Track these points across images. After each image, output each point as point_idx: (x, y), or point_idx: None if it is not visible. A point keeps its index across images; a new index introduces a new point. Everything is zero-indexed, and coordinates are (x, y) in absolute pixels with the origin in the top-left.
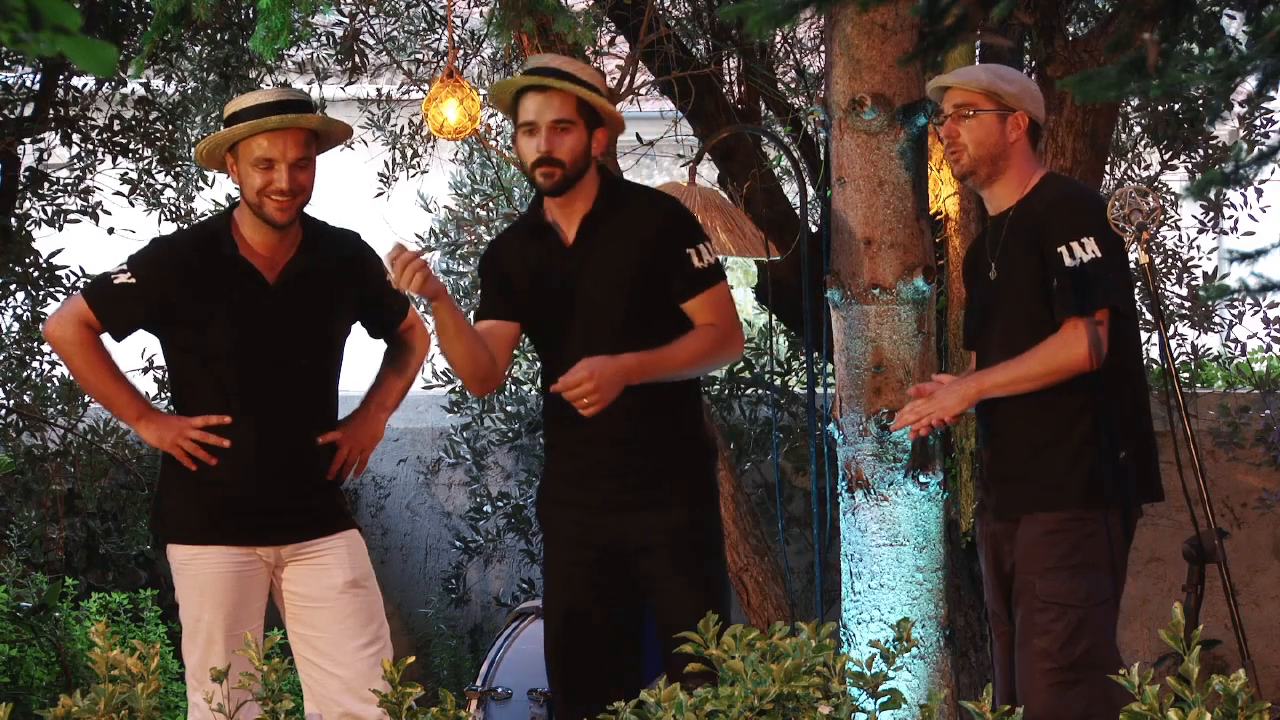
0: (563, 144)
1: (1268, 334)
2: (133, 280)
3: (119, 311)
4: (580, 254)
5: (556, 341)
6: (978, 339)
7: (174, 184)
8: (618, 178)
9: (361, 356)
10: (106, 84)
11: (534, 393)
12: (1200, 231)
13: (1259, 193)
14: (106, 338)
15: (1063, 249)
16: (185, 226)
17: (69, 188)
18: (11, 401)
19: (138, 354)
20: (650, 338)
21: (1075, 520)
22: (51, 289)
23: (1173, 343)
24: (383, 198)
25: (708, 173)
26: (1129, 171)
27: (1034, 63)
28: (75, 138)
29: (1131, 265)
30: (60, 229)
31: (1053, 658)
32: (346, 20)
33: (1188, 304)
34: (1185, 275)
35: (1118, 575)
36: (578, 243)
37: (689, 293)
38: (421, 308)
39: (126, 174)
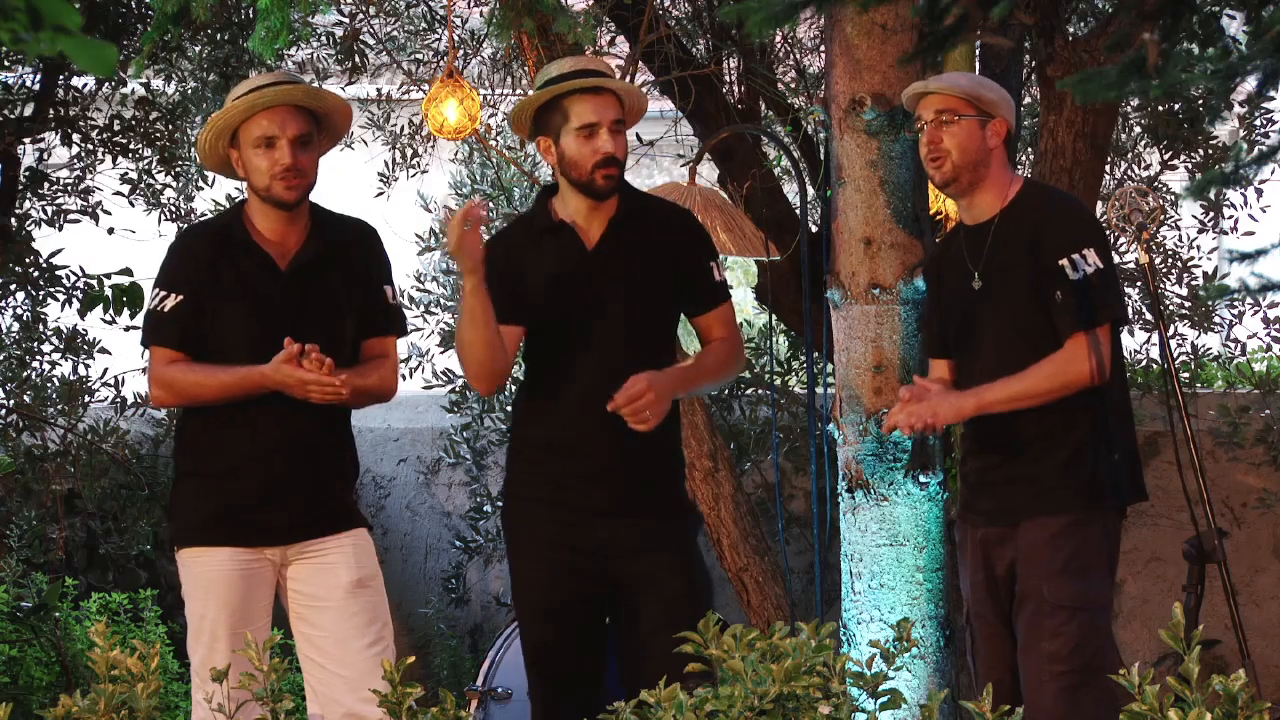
0: (621, 144)
1: (1268, 334)
2: (180, 297)
3: (183, 330)
4: (604, 258)
5: (563, 345)
6: (958, 348)
7: (174, 184)
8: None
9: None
10: (106, 84)
11: None
12: (1200, 231)
13: (1259, 193)
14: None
15: (1065, 261)
16: (187, 225)
17: (69, 188)
18: (11, 401)
19: (137, 354)
20: (654, 346)
21: (1077, 523)
22: (51, 289)
23: (1173, 343)
24: (383, 198)
25: (708, 173)
26: (1129, 171)
27: (1034, 63)
28: (75, 138)
29: (1131, 265)
30: (60, 229)
31: (1064, 660)
32: (346, 20)
33: (1188, 304)
34: (1185, 275)
35: (1113, 577)
36: (602, 246)
37: (708, 305)
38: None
39: (126, 174)
